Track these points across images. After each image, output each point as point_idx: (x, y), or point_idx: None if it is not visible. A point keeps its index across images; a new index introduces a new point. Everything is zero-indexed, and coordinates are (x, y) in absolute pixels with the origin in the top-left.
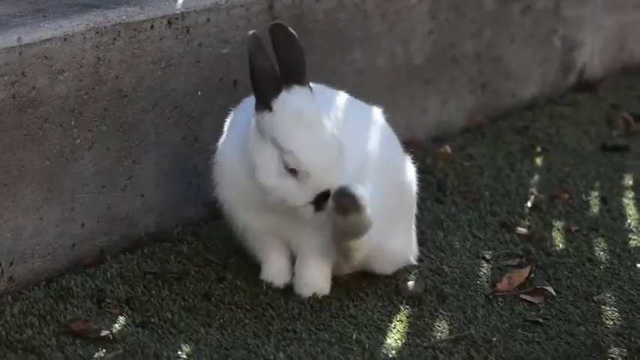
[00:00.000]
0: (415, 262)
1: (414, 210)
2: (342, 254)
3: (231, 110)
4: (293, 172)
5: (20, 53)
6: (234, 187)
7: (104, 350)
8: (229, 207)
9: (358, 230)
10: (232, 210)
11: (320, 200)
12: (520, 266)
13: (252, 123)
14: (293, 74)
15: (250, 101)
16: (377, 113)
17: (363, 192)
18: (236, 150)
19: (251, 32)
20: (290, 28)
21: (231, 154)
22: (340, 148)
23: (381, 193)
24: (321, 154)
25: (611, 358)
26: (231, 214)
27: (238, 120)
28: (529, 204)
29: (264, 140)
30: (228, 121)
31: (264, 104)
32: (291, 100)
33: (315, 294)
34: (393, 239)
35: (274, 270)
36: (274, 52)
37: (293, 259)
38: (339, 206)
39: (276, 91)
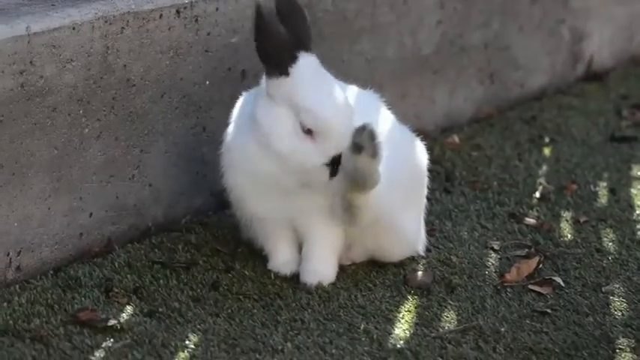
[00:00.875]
0: (423, 253)
1: (424, 198)
2: (347, 213)
3: (237, 100)
4: (309, 132)
5: (29, 42)
6: (242, 174)
7: (112, 340)
8: (237, 195)
9: (367, 176)
10: (240, 198)
11: (335, 163)
12: (528, 257)
13: (261, 92)
14: (302, 41)
15: (256, 90)
16: (376, 97)
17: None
18: (244, 138)
19: (262, 4)
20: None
21: (239, 142)
22: (353, 113)
23: (391, 166)
24: (338, 114)
25: (620, 348)
26: (239, 203)
27: (244, 109)
28: (537, 194)
29: (277, 106)
30: (234, 111)
31: (279, 70)
32: (308, 63)
33: (320, 282)
34: (404, 219)
35: (282, 259)
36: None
37: (300, 249)
38: (356, 143)
39: (293, 57)
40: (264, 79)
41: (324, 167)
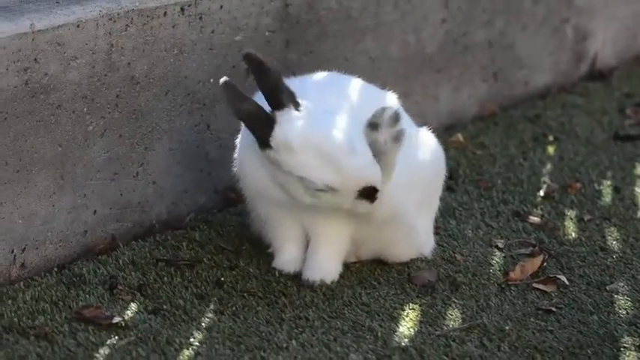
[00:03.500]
0: (430, 256)
1: (438, 201)
2: (359, 211)
3: None
4: (321, 190)
5: (33, 39)
6: (255, 183)
7: (116, 337)
8: (250, 196)
9: (384, 160)
10: (253, 199)
11: (369, 194)
12: (533, 255)
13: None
14: (273, 100)
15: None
16: (392, 98)
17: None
18: (255, 148)
19: (221, 81)
20: (258, 55)
21: (250, 152)
22: (349, 149)
23: (409, 167)
24: (332, 169)
25: (624, 347)
26: (252, 202)
27: None
28: (541, 193)
29: (282, 171)
30: None
31: (264, 144)
32: (281, 132)
33: (323, 280)
34: (417, 222)
35: (287, 257)
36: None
37: (307, 249)
38: (373, 122)
39: (269, 129)
40: None
41: (358, 201)
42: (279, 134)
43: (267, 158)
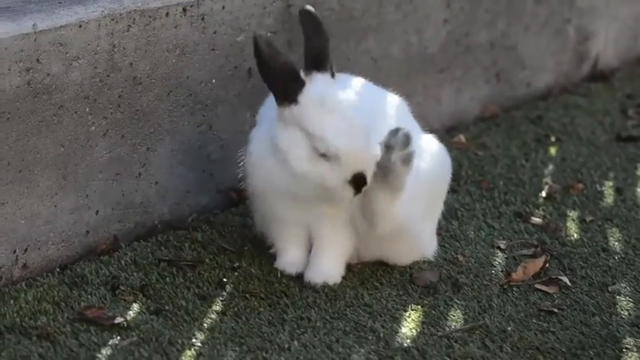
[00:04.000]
0: (432, 259)
1: (441, 204)
2: (367, 219)
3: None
4: (325, 156)
5: (35, 40)
6: (264, 178)
7: (118, 337)
8: (257, 195)
9: (394, 180)
10: (260, 198)
11: (358, 181)
12: (535, 256)
13: (275, 118)
14: (316, 61)
15: None
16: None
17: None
18: (267, 142)
19: (259, 35)
20: (317, 15)
21: (262, 145)
22: (367, 132)
23: (415, 177)
24: (348, 137)
25: (626, 348)
26: (258, 202)
27: (268, 112)
28: (543, 194)
29: (292, 130)
30: (259, 113)
31: (288, 99)
32: (315, 89)
33: (325, 282)
34: (421, 228)
35: (289, 259)
36: (304, 37)
37: (309, 251)
38: (387, 144)
39: (300, 85)
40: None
41: (346, 186)
42: (311, 91)
43: (285, 115)
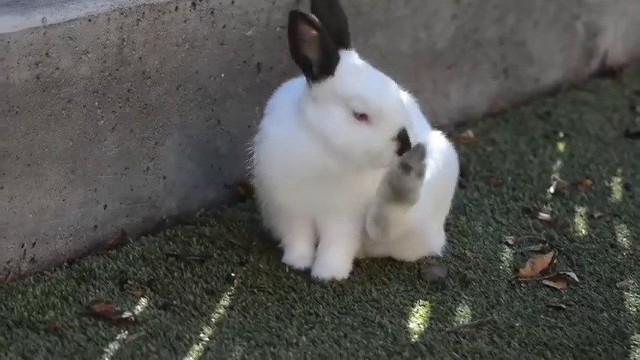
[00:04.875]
0: (440, 254)
1: (449, 201)
2: (379, 227)
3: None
4: (364, 117)
5: (44, 34)
6: (277, 165)
7: (126, 332)
8: (268, 185)
9: (410, 194)
10: (271, 188)
11: (404, 138)
12: (543, 252)
13: (303, 98)
14: (342, 39)
15: (293, 82)
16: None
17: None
18: (282, 128)
19: (297, 12)
20: None
21: (276, 132)
22: (399, 90)
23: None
24: (386, 92)
25: (634, 344)
26: (268, 193)
27: (285, 99)
28: (551, 190)
29: (324, 106)
30: (271, 102)
31: (325, 72)
32: (350, 60)
33: (334, 277)
34: (431, 227)
35: (297, 253)
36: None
37: (316, 246)
38: (405, 164)
39: (337, 59)
40: (304, 84)
41: (391, 145)
42: (346, 61)
43: (318, 92)
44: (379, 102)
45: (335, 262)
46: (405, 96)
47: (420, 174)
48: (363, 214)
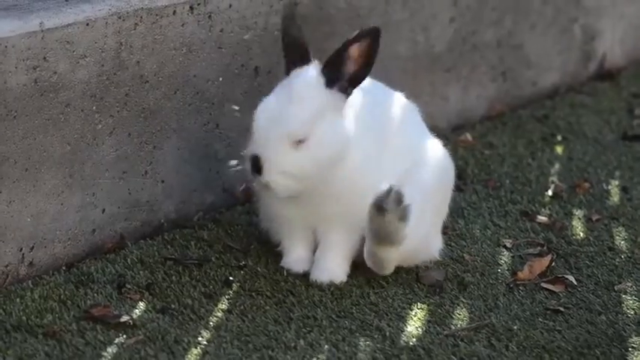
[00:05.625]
0: (439, 257)
1: (446, 206)
2: (375, 264)
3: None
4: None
5: (42, 38)
6: None
7: (124, 336)
8: (265, 196)
9: (392, 236)
10: (268, 199)
11: (252, 162)
12: (541, 255)
13: None
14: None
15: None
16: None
17: (409, 200)
18: None
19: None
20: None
21: None
22: (285, 127)
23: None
24: (260, 112)
25: (632, 347)
26: (266, 200)
27: None
28: (550, 193)
29: None
30: None
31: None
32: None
33: (332, 281)
34: (429, 236)
35: (296, 257)
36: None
37: (315, 250)
38: (378, 205)
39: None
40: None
41: (248, 161)
42: None
43: None
44: (254, 117)
45: (333, 266)
46: (404, 104)
47: (402, 218)
48: (360, 221)
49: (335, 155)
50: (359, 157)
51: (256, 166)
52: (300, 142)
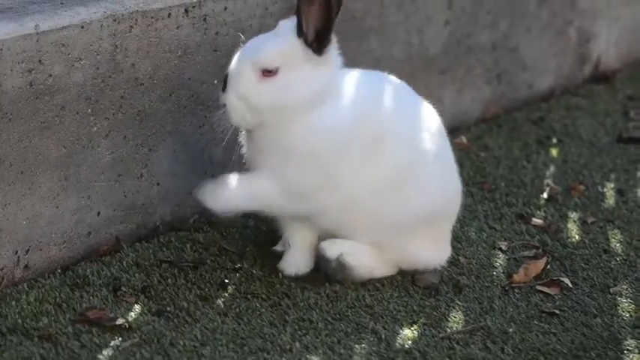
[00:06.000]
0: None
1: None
2: (341, 275)
3: None
4: None
5: (37, 41)
6: None
7: (120, 339)
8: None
9: (348, 276)
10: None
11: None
12: (536, 257)
13: None
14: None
15: None
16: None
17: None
18: None
19: None
20: None
21: None
22: (254, 55)
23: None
24: (243, 49)
25: (627, 350)
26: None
27: None
28: (545, 195)
29: None
30: None
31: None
32: None
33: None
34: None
35: (295, 259)
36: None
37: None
38: (322, 253)
39: None
40: None
41: None
42: None
43: None
44: None
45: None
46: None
47: (341, 267)
48: (288, 179)
49: (294, 105)
50: (326, 138)
51: (224, 84)
52: (266, 75)
